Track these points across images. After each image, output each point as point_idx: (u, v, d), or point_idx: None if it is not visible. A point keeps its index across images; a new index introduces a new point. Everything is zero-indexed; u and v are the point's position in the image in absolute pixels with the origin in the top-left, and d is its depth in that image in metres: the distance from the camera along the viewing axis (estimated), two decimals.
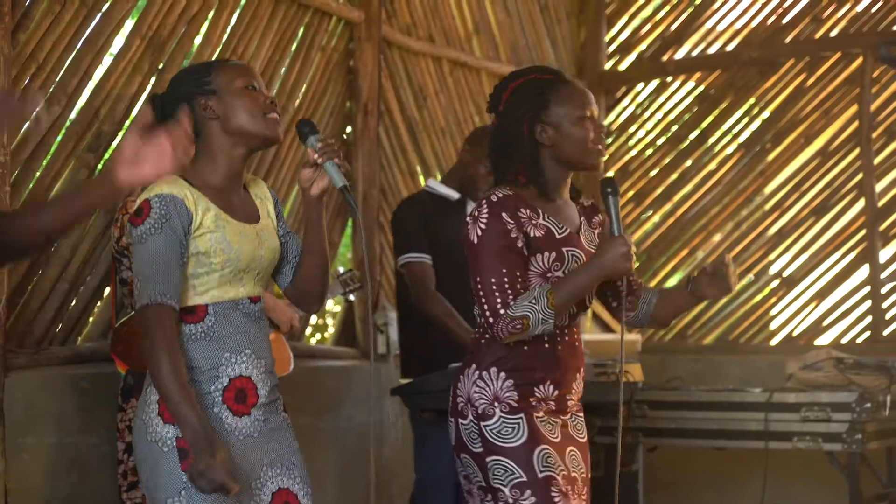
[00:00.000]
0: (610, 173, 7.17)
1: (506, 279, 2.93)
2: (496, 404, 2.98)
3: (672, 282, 7.00)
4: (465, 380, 3.03)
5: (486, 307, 2.94)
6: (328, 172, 2.81)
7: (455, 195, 4.59)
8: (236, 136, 2.79)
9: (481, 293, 2.95)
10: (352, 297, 5.08)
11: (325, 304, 3.02)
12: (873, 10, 6.45)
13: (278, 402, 2.87)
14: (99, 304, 4.56)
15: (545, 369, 3.02)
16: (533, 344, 3.01)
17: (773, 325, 6.68)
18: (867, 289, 6.32)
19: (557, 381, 3.03)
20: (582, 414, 3.15)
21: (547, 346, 3.03)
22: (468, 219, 3.02)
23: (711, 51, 6.97)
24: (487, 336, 3.02)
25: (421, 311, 4.42)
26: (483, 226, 2.96)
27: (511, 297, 2.92)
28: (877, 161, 6.37)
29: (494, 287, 2.93)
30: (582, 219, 3.15)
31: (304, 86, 5.46)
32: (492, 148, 3.11)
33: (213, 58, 4.97)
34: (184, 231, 2.69)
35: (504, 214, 2.96)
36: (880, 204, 6.34)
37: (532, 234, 2.98)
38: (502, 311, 2.91)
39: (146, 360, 2.68)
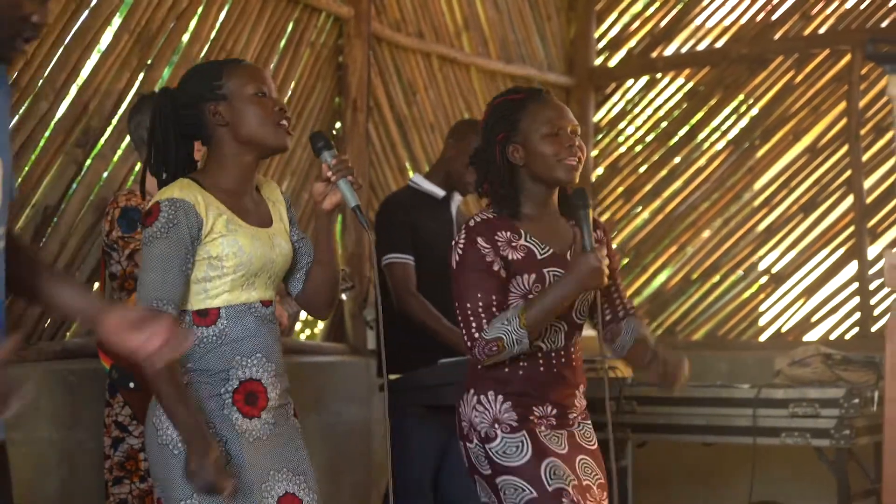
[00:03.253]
0: (599, 171, 7.18)
1: (480, 304, 2.98)
2: (497, 426, 3.01)
3: (661, 278, 7.01)
4: (465, 405, 3.07)
5: (464, 333, 2.99)
6: (341, 190, 2.82)
7: (440, 193, 4.57)
8: (245, 143, 2.80)
9: (460, 319, 3.01)
10: (343, 297, 5.08)
11: (332, 310, 3.04)
12: (862, 6, 6.46)
13: (289, 406, 2.89)
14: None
15: (542, 392, 3.05)
16: (528, 367, 3.04)
17: (761, 322, 6.70)
18: (855, 285, 6.34)
19: (555, 401, 3.07)
20: (589, 421, 3.18)
21: (542, 368, 3.05)
22: (453, 243, 3.07)
23: (701, 47, 6.98)
24: None
25: (401, 312, 4.40)
26: (460, 251, 3.02)
27: (485, 320, 2.97)
28: (865, 158, 6.38)
29: (470, 313, 2.98)
30: (573, 243, 3.11)
31: (294, 82, 5.46)
32: (476, 171, 3.16)
33: (202, 54, 4.97)
34: (191, 237, 2.71)
35: (479, 239, 3.01)
36: (868, 200, 6.35)
37: (510, 258, 3.01)
38: (477, 336, 2.96)
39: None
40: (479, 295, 2.98)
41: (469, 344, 2.98)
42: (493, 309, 2.97)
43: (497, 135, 3.08)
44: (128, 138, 4.61)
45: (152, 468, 2.77)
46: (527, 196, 3.09)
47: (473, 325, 2.97)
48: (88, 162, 4.48)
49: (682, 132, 6.97)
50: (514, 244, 3.03)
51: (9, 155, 2.13)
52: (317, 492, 2.86)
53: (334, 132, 5.75)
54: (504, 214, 3.07)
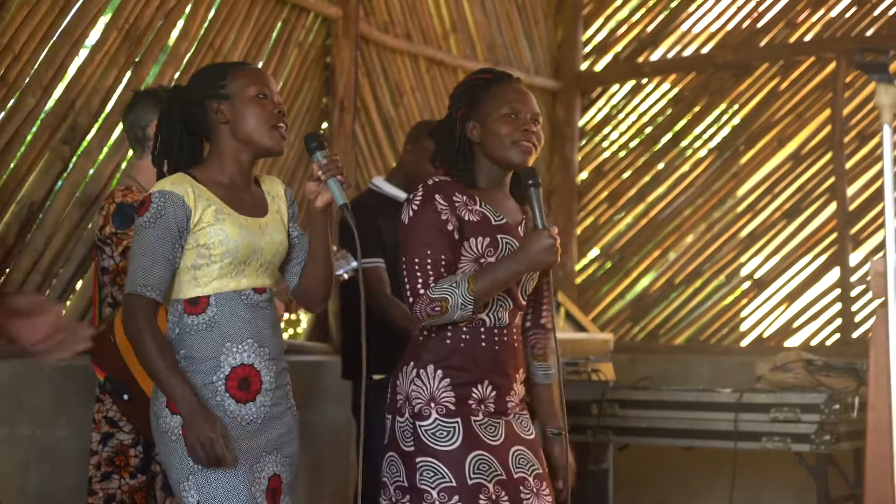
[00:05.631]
0: (584, 174, 7.20)
1: (429, 260, 2.96)
2: (432, 405, 2.97)
3: (644, 282, 7.03)
4: (403, 377, 3.02)
5: (407, 287, 2.97)
6: (330, 189, 2.91)
7: (402, 195, 4.57)
8: (242, 141, 2.92)
9: (405, 273, 2.98)
10: (345, 276, 4.93)
11: (326, 304, 3.11)
12: (847, 15, 6.50)
13: (287, 387, 2.99)
14: (72, 296, 4.55)
15: (483, 370, 3.02)
16: (471, 342, 3.01)
17: (743, 327, 6.72)
18: (837, 291, 6.37)
19: (496, 382, 3.03)
20: (527, 412, 3.14)
21: (484, 345, 3.02)
22: (404, 203, 3.06)
23: (687, 53, 7.00)
24: (425, 332, 3.03)
25: (378, 315, 4.39)
26: (416, 207, 3.01)
27: (433, 278, 2.95)
28: (849, 165, 6.42)
29: (417, 268, 2.96)
30: (523, 219, 3.16)
31: (281, 82, 5.46)
32: (434, 144, 3.20)
33: (190, 53, 4.98)
34: (178, 227, 2.83)
35: (437, 196, 3.00)
36: (851, 208, 6.39)
37: (466, 219, 3.01)
38: (422, 292, 2.94)
39: (131, 345, 2.83)
40: (428, 252, 2.96)
41: (412, 299, 2.96)
42: (442, 269, 2.96)
43: (459, 109, 3.13)
44: (114, 136, 4.63)
45: (159, 452, 2.92)
46: (481, 172, 3.10)
47: (420, 280, 2.95)
48: (74, 159, 4.48)
49: (666, 137, 7.00)
50: (470, 207, 3.03)
51: None
52: (293, 473, 2.99)
53: (321, 132, 5.75)
54: (460, 181, 3.08)
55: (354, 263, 4.18)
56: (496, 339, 3.04)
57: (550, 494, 3.07)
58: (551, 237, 2.95)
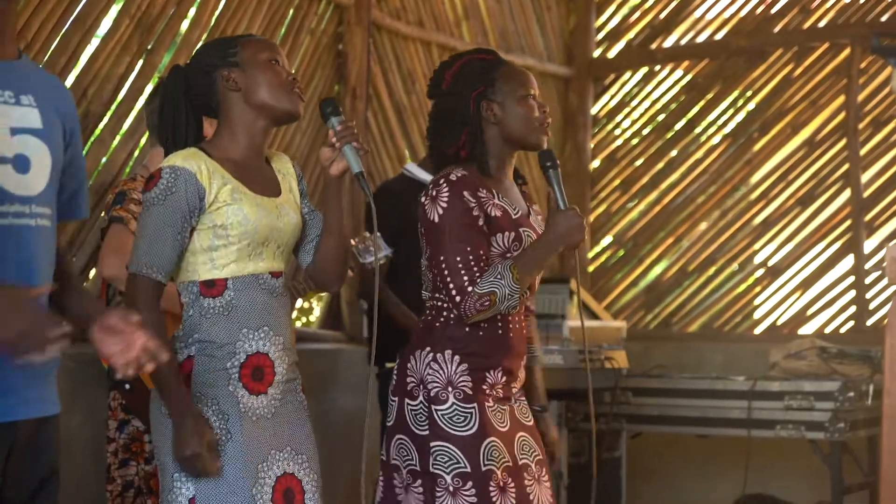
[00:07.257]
0: (596, 162, 7.18)
1: (471, 257, 2.95)
2: (450, 389, 2.98)
3: (657, 270, 7.02)
4: (417, 361, 3.02)
5: (451, 286, 2.96)
6: (345, 156, 2.81)
7: None
8: (258, 109, 2.79)
9: (446, 272, 2.97)
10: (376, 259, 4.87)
11: (344, 282, 3.01)
12: (861, 0, 6.47)
13: (297, 381, 2.86)
14: (85, 284, 4.55)
15: (498, 355, 3.05)
16: (488, 329, 3.03)
17: (757, 314, 6.71)
18: (851, 279, 6.35)
19: (507, 367, 3.06)
20: (524, 398, 3.17)
21: (500, 331, 3.05)
22: (424, 198, 3.04)
23: (700, 39, 6.97)
24: (443, 318, 3.04)
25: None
26: (444, 204, 2.99)
27: (477, 274, 2.95)
28: (863, 152, 6.39)
29: (461, 265, 2.95)
30: (527, 204, 3.19)
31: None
32: (433, 125, 3.14)
33: (203, 39, 4.97)
34: (189, 206, 2.69)
35: (465, 193, 2.99)
36: (866, 194, 6.37)
37: (492, 214, 3.01)
38: (470, 289, 2.94)
39: None
40: (468, 248, 2.96)
41: (458, 298, 2.95)
42: (483, 264, 2.96)
43: (473, 90, 3.08)
44: (126, 123, 4.63)
45: (154, 436, 2.77)
46: (493, 156, 3.10)
47: (465, 278, 2.94)
48: (87, 147, 4.47)
49: (680, 124, 6.98)
50: (493, 202, 3.03)
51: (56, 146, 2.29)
52: (317, 472, 2.86)
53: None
54: (477, 172, 3.06)
55: (386, 251, 4.16)
56: (510, 325, 3.07)
57: (549, 480, 3.10)
58: (578, 215, 2.99)
